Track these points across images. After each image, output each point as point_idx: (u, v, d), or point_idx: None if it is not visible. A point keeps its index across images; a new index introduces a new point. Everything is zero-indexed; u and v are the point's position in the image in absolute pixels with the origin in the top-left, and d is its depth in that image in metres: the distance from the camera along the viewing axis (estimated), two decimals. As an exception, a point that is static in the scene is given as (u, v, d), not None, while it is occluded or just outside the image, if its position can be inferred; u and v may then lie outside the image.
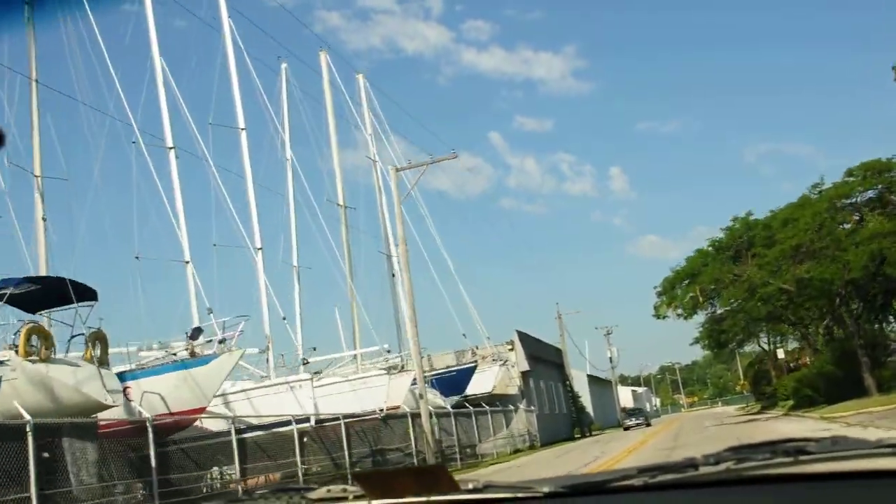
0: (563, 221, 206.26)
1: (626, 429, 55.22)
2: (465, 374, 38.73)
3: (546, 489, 1.63)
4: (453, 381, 38.36)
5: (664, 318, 38.08)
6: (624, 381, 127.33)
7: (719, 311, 50.70)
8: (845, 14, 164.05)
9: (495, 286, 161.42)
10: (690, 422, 52.76)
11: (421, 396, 28.26)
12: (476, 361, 39.04)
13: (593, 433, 60.29)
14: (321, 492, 1.83)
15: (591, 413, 73.92)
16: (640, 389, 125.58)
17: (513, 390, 47.45)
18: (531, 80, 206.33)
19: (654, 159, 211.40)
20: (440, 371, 38.63)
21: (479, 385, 42.27)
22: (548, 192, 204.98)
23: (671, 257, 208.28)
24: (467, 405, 36.18)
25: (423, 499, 1.62)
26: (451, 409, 32.87)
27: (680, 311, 36.60)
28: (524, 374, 48.05)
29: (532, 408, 47.69)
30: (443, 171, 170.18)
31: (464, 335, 39.52)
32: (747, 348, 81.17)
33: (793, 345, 63.98)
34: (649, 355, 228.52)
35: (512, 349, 47.83)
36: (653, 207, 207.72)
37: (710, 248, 36.57)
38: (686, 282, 35.81)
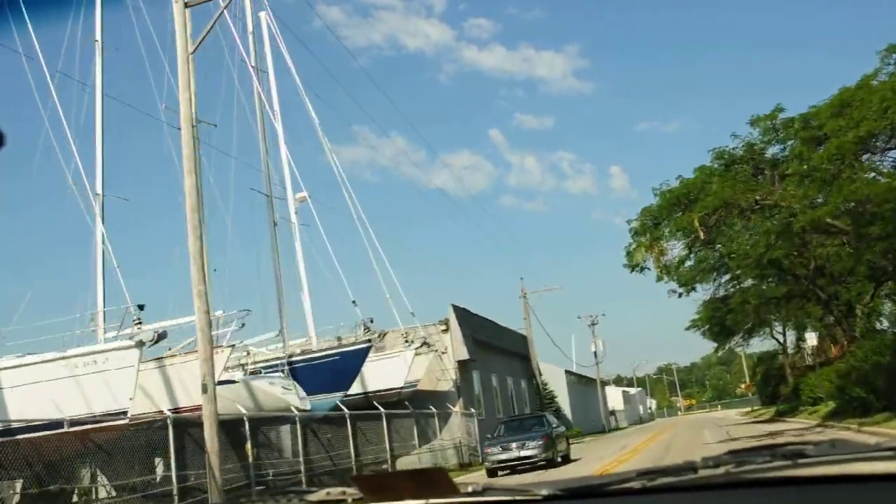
0: (563, 219, 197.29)
1: (492, 472, 23.52)
2: (354, 360, 26.01)
3: (544, 492, 1.63)
4: (337, 371, 25.81)
5: (640, 268, 24.52)
6: (619, 381, 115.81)
7: (723, 287, 38.66)
8: (846, 15, 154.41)
9: (490, 286, 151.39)
10: (686, 431, 40.24)
11: (205, 390, 15.90)
12: (370, 341, 26.15)
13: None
14: (320, 494, 1.83)
15: (570, 417, 62.03)
16: (633, 390, 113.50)
17: (446, 386, 35.04)
18: (532, 78, 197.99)
19: (655, 158, 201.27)
20: (311, 355, 25.96)
21: (386, 378, 29.89)
22: (548, 190, 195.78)
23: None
24: (343, 408, 23.50)
25: (422, 502, 1.61)
26: (296, 414, 20.34)
27: (667, 257, 23.01)
28: (462, 365, 35.49)
29: (472, 410, 35.13)
30: (442, 169, 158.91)
31: (353, 302, 26.62)
32: (755, 346, 69.08)
33: (810, 338, 51.71)
34: (649, 357, 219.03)
35: (446, 330, 35.29)
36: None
37: (715, 165, 23.31)
38: (679, 214, 22.46)
